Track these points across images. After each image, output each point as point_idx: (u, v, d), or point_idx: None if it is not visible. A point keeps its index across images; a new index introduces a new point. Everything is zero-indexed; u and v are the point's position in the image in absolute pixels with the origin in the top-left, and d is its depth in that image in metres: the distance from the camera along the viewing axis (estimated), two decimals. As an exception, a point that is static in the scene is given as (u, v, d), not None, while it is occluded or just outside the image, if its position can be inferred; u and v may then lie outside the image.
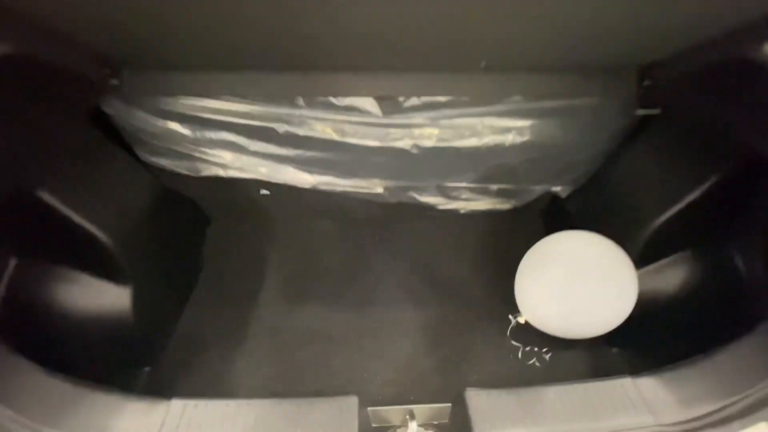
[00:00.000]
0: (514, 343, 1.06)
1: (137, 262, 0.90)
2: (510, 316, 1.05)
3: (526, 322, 1.02)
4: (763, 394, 0.55)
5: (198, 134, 1.04)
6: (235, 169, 1.12)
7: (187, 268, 1.16)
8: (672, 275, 0.96)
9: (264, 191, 1.19)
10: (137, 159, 1.06)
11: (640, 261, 0.96)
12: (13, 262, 0.79)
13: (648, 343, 0.93)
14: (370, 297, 1.14)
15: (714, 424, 0.54)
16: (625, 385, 0.60)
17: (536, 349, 1.06)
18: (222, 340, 1.02)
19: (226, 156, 1.09)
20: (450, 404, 0.61)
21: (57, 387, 0.56)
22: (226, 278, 1.18)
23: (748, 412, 0.54)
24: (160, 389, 0.90)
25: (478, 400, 0.57)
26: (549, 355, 1.04)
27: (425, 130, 1.04)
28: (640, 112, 0.98)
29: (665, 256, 0.97)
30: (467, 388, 0.58)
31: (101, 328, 0.89)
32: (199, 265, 1.19)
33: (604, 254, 0.96)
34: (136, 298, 0.91)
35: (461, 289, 1.18)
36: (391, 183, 1.20)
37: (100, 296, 0.89)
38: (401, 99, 0.99)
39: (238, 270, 1.19)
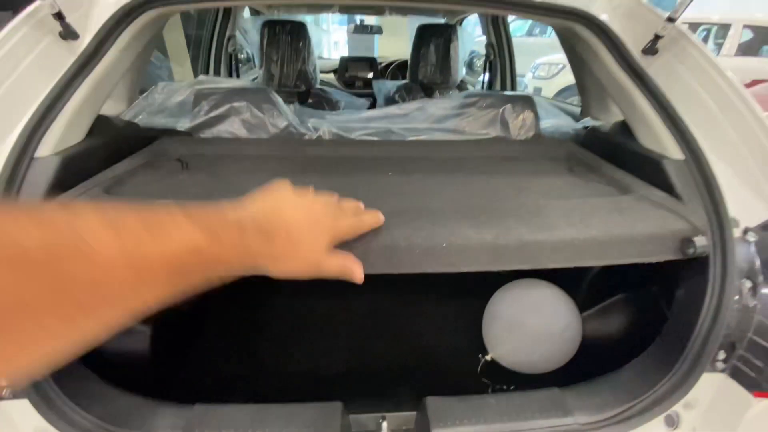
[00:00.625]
0: (484, 380, 1.20)
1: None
2: (480, 355, 1.21)
3: (493, 360, 1.18)
4: (653, 399, 0.72)
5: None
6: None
7: (198, 311, 1.32)
8: (611, 315, 1.14)
9: None
10: None
11: (583, 305, 1.15)
12: None
13: (597, 374, 1.08)
14: (358, 339, 1.29)
15: (617, 422, 0.70)
16: (553, 394, 0.76)
17: (504, 387, 1.20)
18: (224, 376, 1.16)
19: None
20: (415, 412, 0.76)
21: (110, 394, 0.71)
22: (230, 324, 1.33)
23: (644, 412, 0.71)
24: None
25: (435, 405, 0.73)
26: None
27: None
28: None
29: (603, 300, 1.16)
30: (427, 397, 0.74)
31: (120, 366, 1.03)
32: (207, 310, 1.35)
33: (553, 298, 1.16)
34: (155, 337, 1.06)
35: (442, 335, 1.33)
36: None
37: (123, 336, 1.04)
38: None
39: (241, 318, 1.35)
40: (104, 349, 1.00)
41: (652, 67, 0.93)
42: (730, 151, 0.82)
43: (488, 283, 1.34)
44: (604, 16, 0.97)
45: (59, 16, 0.80)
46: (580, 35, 1.01)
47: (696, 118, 0.86)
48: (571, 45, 1.17)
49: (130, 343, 1.02)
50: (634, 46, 0.94)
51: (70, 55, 0.85)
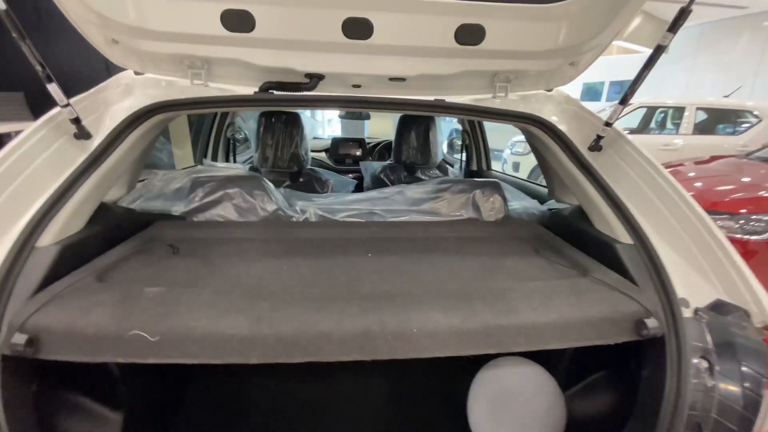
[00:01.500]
0: (470, 469, 1.14)
1: (134, 389, 1.04)
2: (466, 441, 1.17)
3: (480, 446, 1.14)
4: None
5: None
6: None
7: (174, 396, 1.28)
8: (592, 394, 1.14)
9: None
10: None
11: (566, 382, 1.15)
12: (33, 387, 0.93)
13: None
14: (341, 426, 1.25)
15: None
16: None
17: (492, 475, 1.14)
18: None
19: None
20: None
21: None
22: (207, 412, 1.27)
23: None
24: None
25: None
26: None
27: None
28: None
29: (585, 377, 1.16)
30: None
31: None
32: (183, 395, 1.30)
33: (535, 380, 1.16)
34: (127, 426, 1.02)
35: (428, 418, 1.29)
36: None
37: (92, 424, 1.00)
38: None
39: (219, 405, 1.29)
40: None
41: (597, 161, 1.06)
42: (673, 237, 0.91)
43: (473, 361, 1.34)
44: (553, 118, 1.14)
45: (77, 120, 0.92)
46: (536, 134, 1.16)
47: (639, 207, 0.97)
48: (530, 141, 1.33)
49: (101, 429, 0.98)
50: (581, 143, 1.09)
51: (81, 152, 0.95)
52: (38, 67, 0.80)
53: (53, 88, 0.84)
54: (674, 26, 0.82)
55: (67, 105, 0.88)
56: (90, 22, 0.89)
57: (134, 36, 0.91)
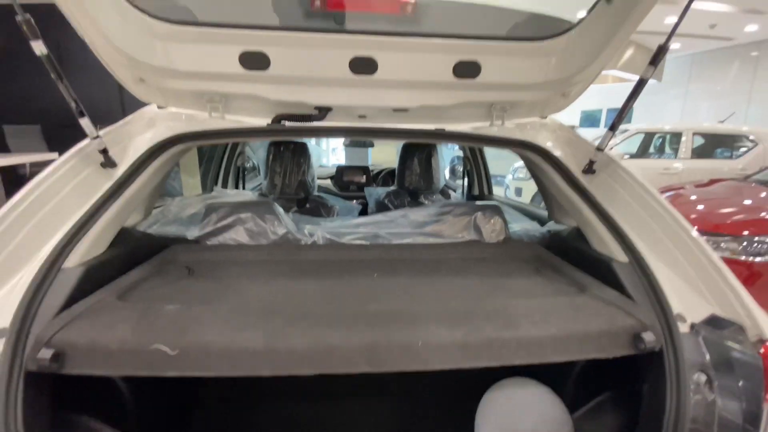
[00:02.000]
0: (479, 494, 1.12)
1: (144, 415, 1.06)
2: (473, 464, 1.15)
3: (487, 469, 1.12)
4: None
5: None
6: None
7: (179, 414, 1.28)
8: (600, 415, 1.14)
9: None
10: None
11: (573, 403, 1.15)
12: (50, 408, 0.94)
13: None
14: None
15: None
16: None
17: (501, 501, 1.12)
18: None
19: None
20: None
21: None
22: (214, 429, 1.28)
23: None
24: None
25: None
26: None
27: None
28: None
29: (592, 398, 1.16)
30: None
31: None
32: (189, 412, 1.31)
33: (541, 400, 1.16)
34: None
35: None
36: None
37: None
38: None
39: (225, 423, 1.30)
40: None
41: (592, 184, 1.12)
42: (667, 255, 0.95)
43: (478, 383, 1.34)
44: (548, 144, 1.20)
45: (104, 151, 0.99)
46: (533, 159, 1.22)
47: (634, 227, 1.01)
48: (529, 166, 1.39)
49: None
50: (576, 167, 1.15)
51: (107, 180, 1.02)
52: (73, 104, 0.88)
53: (85, 122, 0.92)
54: (654, 61, 0.90)
55: (97, 137, 0.96)
56: (120, 63, 0.98)
57: (161, 75, 1.00)
